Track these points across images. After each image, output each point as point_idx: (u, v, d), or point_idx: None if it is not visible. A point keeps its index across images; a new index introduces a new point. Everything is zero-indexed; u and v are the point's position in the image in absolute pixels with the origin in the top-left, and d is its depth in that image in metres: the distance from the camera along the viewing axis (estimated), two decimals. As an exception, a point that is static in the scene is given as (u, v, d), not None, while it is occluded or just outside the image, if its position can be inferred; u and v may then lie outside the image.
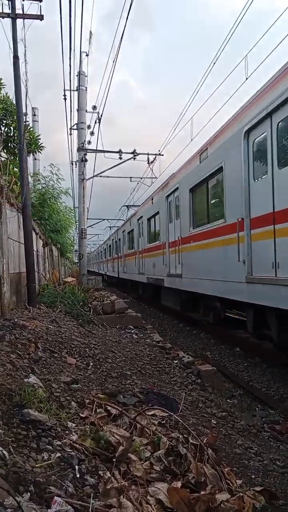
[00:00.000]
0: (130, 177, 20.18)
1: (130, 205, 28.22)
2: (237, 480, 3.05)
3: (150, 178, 19.26)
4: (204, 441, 3.37)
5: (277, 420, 5.11)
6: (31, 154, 12.72)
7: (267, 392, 6.38)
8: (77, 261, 20.39)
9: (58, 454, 2.67)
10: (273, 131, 6.01)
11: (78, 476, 2.59)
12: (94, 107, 16.01)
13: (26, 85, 8.57)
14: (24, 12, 8.39)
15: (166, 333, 11.45)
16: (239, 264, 6.84)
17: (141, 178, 20.03)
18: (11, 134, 10.65)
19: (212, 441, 3.43)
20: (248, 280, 6.64)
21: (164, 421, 3.68)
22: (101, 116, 16.19)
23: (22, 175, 8.11)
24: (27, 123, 11.33)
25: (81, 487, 2.49)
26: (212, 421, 4.16)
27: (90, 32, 11.51)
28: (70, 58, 20.86)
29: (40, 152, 12.81)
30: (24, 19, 8.52)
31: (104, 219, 37.65)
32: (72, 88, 16.14)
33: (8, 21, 8.17)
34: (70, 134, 17.78)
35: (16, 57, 8.00)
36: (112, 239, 32.11)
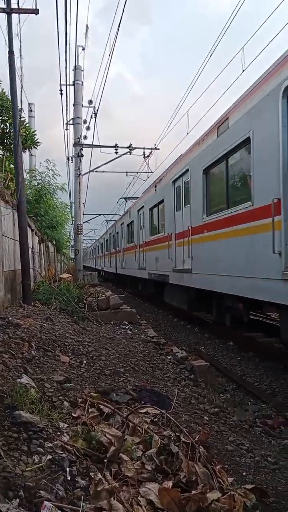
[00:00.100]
0: (126, 172, 20.16)
1: (128, 197, 26.73)
2: (228, 478, 3.07)
3: (146, 172, 19.25)
4: (196, 439, 3.39)
5: (269, 414, 5.15)
6: (27, 150, 12.66)
7: (260, 386, 6.42)
8: (73, 256, 20.12)
9: (49, 457, 2.68)
10: None
11: (69, 478, 2.60)
12: (90, 102, 15.94)
13: (21, 80, 8.50)
14: (19, 7, 8.30)
15: (161, 328, 11.49)
16: (272, 257, 5.62)
17: (137, 173, 20.01)
18: (7, 130, 10.59)
19: (204, 438, 3.46)
20: (286, 276, 5.43)
21: (156, 419, 3.70)
22: (97, 110, 16.12)
23: (17, 172, 8.06)
24: (23, 119, 11.27)
25: (72, 490, 2.51)
26: (205, 417, 4.19)
27: (87, 25, 11.48)
28: (66, 52, 20.70)
29: (36, 148, 12.75)
30: (19, 13, 8.44)
31: (100, 214, 37.59)
32: (68, 83, 16.02)
33: (3, 16, 8.09)
34: (66, 129, 17.69)
35: (11, 52, 7.91)
36: (110, 233, 30.58)
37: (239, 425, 4.36)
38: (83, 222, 19.24)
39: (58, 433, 3.03)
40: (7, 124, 10.44)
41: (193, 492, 2.72)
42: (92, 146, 16.89)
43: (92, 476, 2.68)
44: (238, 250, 6.86)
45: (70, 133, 24.14)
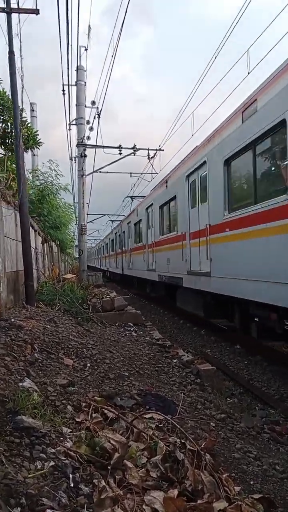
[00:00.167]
0: (130, 173, 20.09)
1: (134, 196, 25.40)
2: (235, 487, 2.99)
3: (151, 173, 19.17)
4: (202, 446, 3.31)
5: (277, 420, 5.07)
6: (29, 150, 12.61)
7: (267, 391, 6.35)
8: (77, 256, 19.93)
9: (52, 463, 2.61)
10: None
11: (72, 485, 2.52)
12: (93, 102, 15.89)
13: (22, 80, 8.45)
14: (19, 7, 8.26)
15: (166, 330, 11.41)
16: None
17: (141, 174, 19.93)
18: (9, 130, 10.55)
19: (211, 445, 3.37)
20: None
21: (161, 425, 3.62)
22: (101, 111, 16.06)
23: (19, 173, 8.02)
24: (24, 119, 11.23)
25: (75, 497, 2.43)
26: (211, 423, 4.11)
27: (89, 26, 11.40)
28: (68, 52, 20.70)
29: (38, 148, 12.70)
30: (19, 13, 8.40)
31: (104, 215, 37.53)
32: (71, 83, 16.00)
33: (3, 16, 8.05)
34: (69, 129, 17.68)
35: (11, 52, 7.87)
36: (115, 233, 29.40)
37: (247, 431, 4.28)
38: (87, 222, 19.22)
39: (61, 438, 2.96)
40: (9, 124, 10.39)
41: (199, 501, 2.64)
42: (95, 146, 16.86)
43: (96, 483, 2.61)
44: (270, 250, 6.04)
45: (73, 134, 24.05)
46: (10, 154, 10.64)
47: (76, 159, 16.61)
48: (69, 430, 3.14)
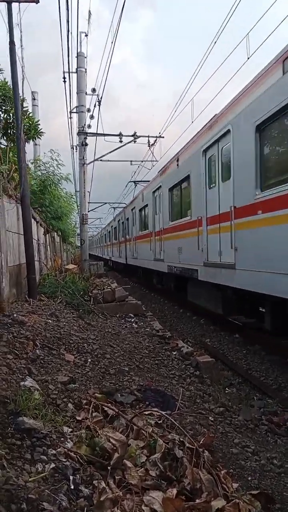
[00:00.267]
0: (131, 161, 19.97)
1: (138, 181, 23.71)
2: (233, 484, 3.05)
3: (151, 161, 19.06)
4: (201, 442, 3.38)
5: (275, 410, 5.13)
6: (31, 140, 12.54)
7: (266, 381, 6.40)
8: (79, 245, 19.80)
9: (53, 465, 2.66)
10: None
11: (72, 487, 2.58)
12: (94, 90, 15.72)
13: (23, 70, 8.34)
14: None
15: (167, 319, 11.48)
16: None
17: (142, 161, 19.82)
18: (10, 121, 10.48)
19: (209, 441, 3.44)
20: None
21: (161, 421, 3.68)
22: (101, 98, 15.89)
23: (20, 165, 7.99)
24: (26, 108, 11.14)
25: (75, 500, 2.49)
26: (210, 418, 4.17)
27: (89, 11, 11.17)
28: (68, 39, 20.38)
29: (40, 138, 12.64)
30: (19, 2, 8.26)
31: (106, 203, 37.37)
32: (71, 70, 15.80)
33: (3, 5, 7.92)
34: (70, 117, 17.52)
35: (12, 43, 7.76)
36: (118, 220, 27.53)
37: (245, 424, 4.35)
38: (89, 211, 19.18)
39: (62, 439, 3.02)
40: (10, 114, 10.32)
41: (197, 501, 2.70)
42: (96, 134, 16.74)
43: (96, 485, 2.67)
44: None
45: (74, 122, 23.88)
46: (12, 145, 10.58)
47: (77, 147, 16.52)
48: (70, 430, 3.20)
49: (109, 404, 3.84)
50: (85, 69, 16.06)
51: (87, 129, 16.04)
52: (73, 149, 19.19)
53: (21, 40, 8.60)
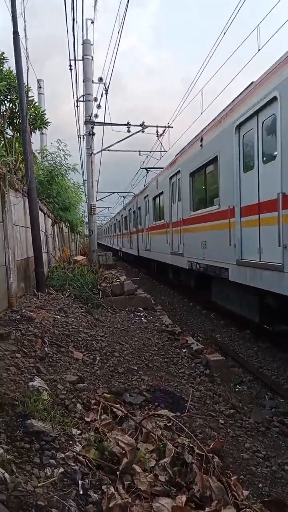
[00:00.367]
0: (139, 151, 19.69)
1: (150, 168, 21.85)
2: (243, 491, 3.01)
3: (160, 151, 18.82)
4: (211, 446, 3.33)
5: (286, 411, 5.06)
6: (37, 130, 12.44)
7: (277, 380, 6.33)
8: (87, 234, 19.45)
9: (61, 470, 2.64)
10: None
11: (81, 492, 2.55)
12: (101, 79, 15.45)
13: (27, 62, 8.19)
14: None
15: (176, 313, 11.41)
16: None
17: (150, 152, 19.56)
18: (16, 110, 10.38)
19: (219, 446, 3.39)
20: None
21: (170, 423, 3.64)
22: (108, 87, 15.65)
23: (26, 158, 7.91)
24: (31, 98, 11.02)
25: (84, 505, 2.46)
26: (220, 420, 4.12)
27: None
28: (73, 27, 20.03)
29: (46, 128, 12.52)
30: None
31: (114, 192, 37.17)
32: (77, 58, 15.55)
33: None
34: (77, 106, 17.31)
35: (16, 33, 7.60)
36: (129, 209, 25.81)
37: (256, 427, 4.29)
38: (97, 201, 19.03)
39: (71, 442, 2.99)
40: (16, 103, 10.21)
41: (207, 509, 2.67)
42: (103, 124, 16.53)
43: (105, 490, 2.64)
44: None
45: (80, 111, 23.65)
46: (18, 135, 10.49)
47: (84, 137, 16.37)
48: (79, 432, 3.17)
49: (118, 405, 3.81)
50: (92, 56, 15.80)
51: (94, 118, 15.84)
52: (80, 138, 19.03)
53: (25, 30, 8.40)
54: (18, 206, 7.13)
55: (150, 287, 16.35)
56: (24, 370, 3.73)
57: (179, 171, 11.81)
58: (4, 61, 9.95)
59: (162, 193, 14.73)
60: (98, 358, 4.87)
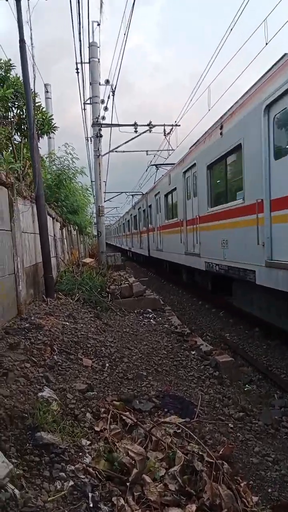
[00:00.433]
0: (147, 151, 19.68)
1: (160, 164, 20.87)
2: (253, 497, 3.02)
3: (167, 150, 18.80)
4: (221, 452, 3.35)
5: (296, 411, 5.06)
6: (45, 135, 12.53)
7: (286, 379, 6.30)
8: (96, 234, 19.33)
9: (71, 483, 2.67)
10: None
11: (91, 505, 2.58)
12: (107, 81, 15.48)
13: (34, 70, 8.24)
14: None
15: (185, 312, 11.43)
16: None
17: (158, 151, 19.54)
18: (24, 116, 10.48)
19: (228, 452, 3.40)
20: None
21: (179, 430, 3.65)
22: (115, 88, 15.68)
23: (34, 166, 7.98)
24: (38, 103, 11.10)
25: (95, 519, 2.50)
26: (229, 424, 4.13)
27: (101, 0, 10.84)
28: (80, 30, 20.08)
29: (54, 133, 12.61)
30: (28, -1, 8.15)
31: (122, 192, 37.21)
32: (84, 60, 15.59)
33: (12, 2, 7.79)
34: (84, 109, 17.37)
35: (22, 41, 7.66)
36: (139, 208, 24.82)
37: (265, 430, 4.29)
38: (105, 201, 19.07)
39: (80, 453, 3.03)
40: (24, 109, 10.30)
41: (217, 518, 2.69)
42: (111, 125, 16.57)
43: (115, 502, 2.67)
44: None
45: (88, 113, 23.64)
46: (26, 140, 10.58)
47: (92, 139, 16.42)
48: (88, 443, 3.21)
49: (127, 413, 3.84)
50: (98, 59, 15.84)
51: (102, 120, 15.90)
52: (88, 140, 19.09)
53: (31, 38, 8.44)
54: (27, 213, 7.20)
55: (159, 286, 16.38)
56: (33, 381, 3.77)
57: (194, 164, 10.88)
58: (11, 67, 10.06)
59: (175, 189, 13.81)
60: (107, 364, 4.91)
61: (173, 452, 3.24)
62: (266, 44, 9.67)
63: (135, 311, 9.10)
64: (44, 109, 12.25)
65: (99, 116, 15.84)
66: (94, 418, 3.64)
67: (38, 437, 2.95)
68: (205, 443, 3.51)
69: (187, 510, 2.70)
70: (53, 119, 11.78)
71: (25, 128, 10.48)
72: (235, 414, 4.46)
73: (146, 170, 24.74)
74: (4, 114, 10.11)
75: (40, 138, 11.38)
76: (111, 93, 15.65)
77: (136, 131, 16.48)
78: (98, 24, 15.67)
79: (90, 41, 15.64)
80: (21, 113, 10.53)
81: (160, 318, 8.87)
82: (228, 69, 13.11)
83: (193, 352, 6.44)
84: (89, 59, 15.76)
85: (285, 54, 6.18)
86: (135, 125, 16.47)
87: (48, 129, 11.59)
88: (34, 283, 7.59)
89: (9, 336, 4.65)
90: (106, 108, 15.52)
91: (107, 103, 15.61)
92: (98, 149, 15.90)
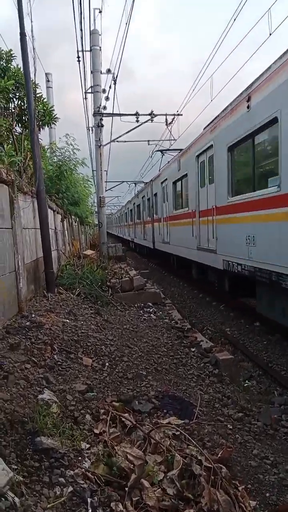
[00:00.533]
0: (148, 141, 19.57)
1: (166, 149, 19.31)
2: (251, 502, 3.05)
3: (169, 140, 18.66)
4: (219, 455, 3.38)
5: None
6: (46, 126, 12.43)
7: (286, 375, 6.33)
8: (97, 223, 19.10)
9: (70, 488, 2.70)
10: None
11: (90, 511, 2.62)
12: (109, 70, 15.31)
13: (34, 63, 8.13)
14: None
15: (186, 305, 11.45)
16: None
17: (159, 141, 19.40)
18: (25, 107, 10.37)
19: (227, 455, 3.43)
20: None
21: (178, 432, 3.68)
22: (117, 77, 15.49)
23: (34, 161, 7.93)
24: (39, 94, 10.98)
25: (93, 525, 2.54)
26: (228, 426, 4.16)
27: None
28: (81, 17, 19.80)
29: (55, 124, 12.49)
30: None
31: (123, 181, 37.08)
32: (85, 48, 15.36)
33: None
34: (85, 98, 17.18)
35: (22, 34, 7.54)
36: (142, 196, 23.32)
37: (264, 430, 4.32)
38: (106, 190, 18.98)
39: (79, 457, 3.05)
40: (24, 100, 10.19)
41: (214, 525, 2.72)
42: (112, 115, 16.42)
43: (113, 508, 2.71)
44: None
45: (89, 102, 23.41)
46: (27, 131, 10.49)
47: (93, 129, 16.29)
48: (87, 446, 3.23)
49: (127, 414, 3.86)
50: (100, 47, 15.63)
51: (103, 110, 15.75)
52: (89, 130, 18.94)
53: (32, 31, 8.31)
54: (27, 209, 7.17)
55: (160, 278, 16.39)
56: (33, 383, 3.79)
57: (211, 145, 9.40)
58: (12, 57, 9.93)
59: (185, 175, 12.30)
60: (107, 363, 4.92)
61: (172, 455, 3.27)
62: (270, 34, 9.51)
63: (136, 305, 9.11)
64: (45, 100, 12.11)
65: (100, 105, 15.69)
66: (93, 420, 3.67)
67: (38, 442, 2.97)
68: (204, 445, 3.54)
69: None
70: (54, 110, 11.66)
71: (26, 119, 10.39)
72: (234, 414, 4.49)
73: (151, 157, 23.80)
74: (5, 106, 10.01)
75: (41, 129, 11.29)
76: (112, 83, 15.49)
77: (137, 121, 16.35)
78: (100, 11, 15.46)
79: (92, 28, 15.45)
80: (22, 104, 10.42)
81: (161, 312, 8.89)
82: (232, 56, 12.91)
83: (193, 349, 6.47)
84: (91, 47, 15.55)
85: None
86: (136, 114, 16.34)
87: (49, 120, 11.47)
88: (35, 278, 7.59)
89: (9, 336, 4.67)
90: (107, 98, 15.36)
91: (108, 93, 15.45)
92: (100, 139, 15.79)
